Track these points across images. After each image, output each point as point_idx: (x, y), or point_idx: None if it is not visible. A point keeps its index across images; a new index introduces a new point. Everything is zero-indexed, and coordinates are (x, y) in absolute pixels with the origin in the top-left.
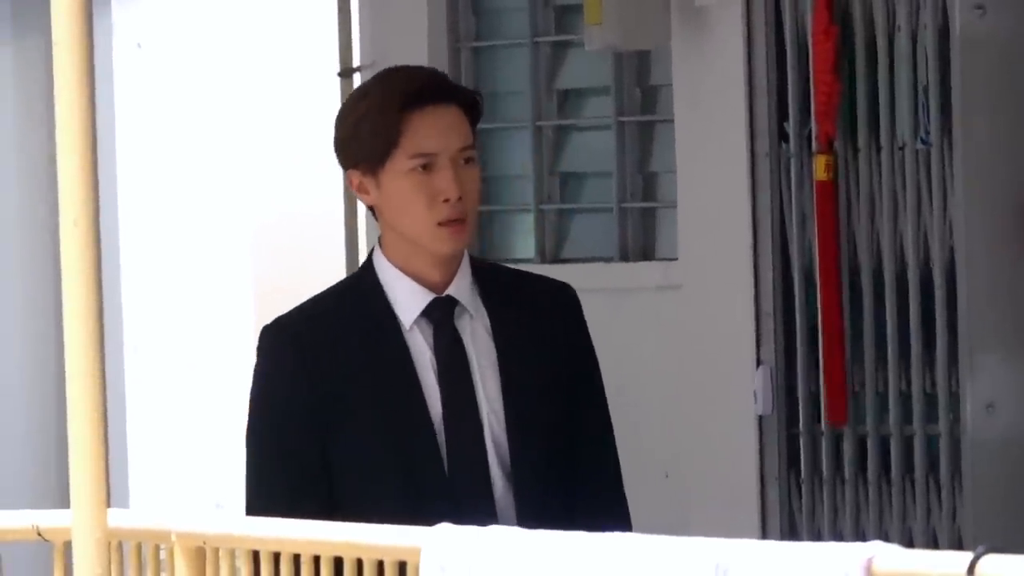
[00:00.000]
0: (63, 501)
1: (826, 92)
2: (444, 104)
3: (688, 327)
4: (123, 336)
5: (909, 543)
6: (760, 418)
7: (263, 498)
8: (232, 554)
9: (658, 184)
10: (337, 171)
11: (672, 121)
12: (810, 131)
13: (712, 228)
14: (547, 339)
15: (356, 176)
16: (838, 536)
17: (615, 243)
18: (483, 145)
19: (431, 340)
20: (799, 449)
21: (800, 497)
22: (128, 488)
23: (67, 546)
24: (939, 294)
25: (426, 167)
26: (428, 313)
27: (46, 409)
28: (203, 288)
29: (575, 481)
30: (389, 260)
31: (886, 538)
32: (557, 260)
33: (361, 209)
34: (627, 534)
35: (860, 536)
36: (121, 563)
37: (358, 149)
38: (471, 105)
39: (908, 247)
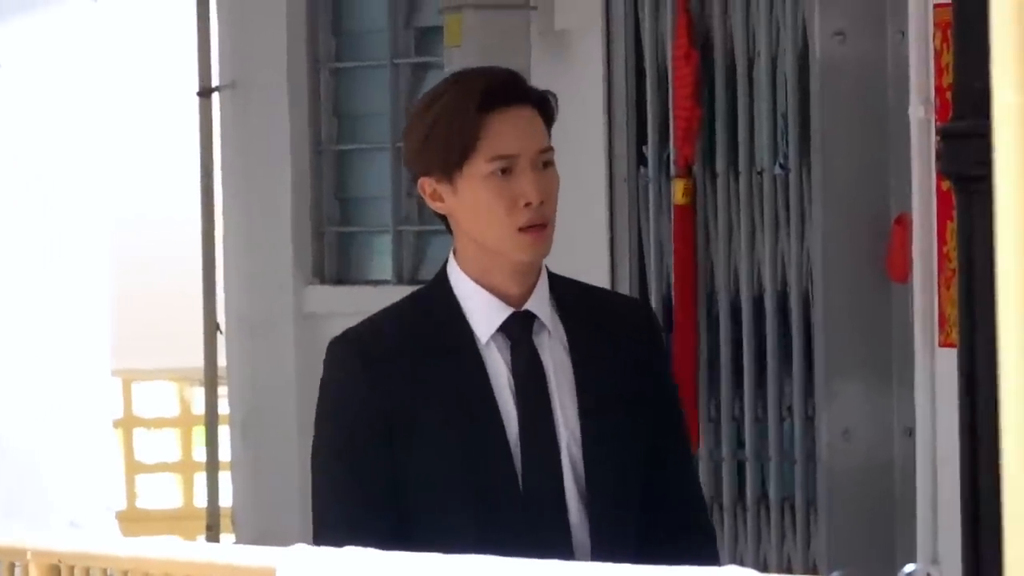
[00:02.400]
0: None
1: (685, 117)
2: (521, 105)
3: None
4: None
5: (764, 569)
6: None
7: (331, 516)
8: (87, 572)
9: None
10: (195, 188)
11: None
12: (669, 155)
13: (570, 251)
14: (624, 358)
15: (429, 184)
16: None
17: None
18: (342, 166)
19: (508, 357)
20: None
21: None
22: None
23: None
24: (796, 319)
25: (505, 171)
26: (506, 328)
27: None
28: (60, 302)
29: (656, 506)
30: (464, 271)
31: (741, 563)
32: (415, 281)
33: (219, 230)
34: (480, 558)
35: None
36: None
37: (432, 155)
38: (546, 106)
39: (765, 272)
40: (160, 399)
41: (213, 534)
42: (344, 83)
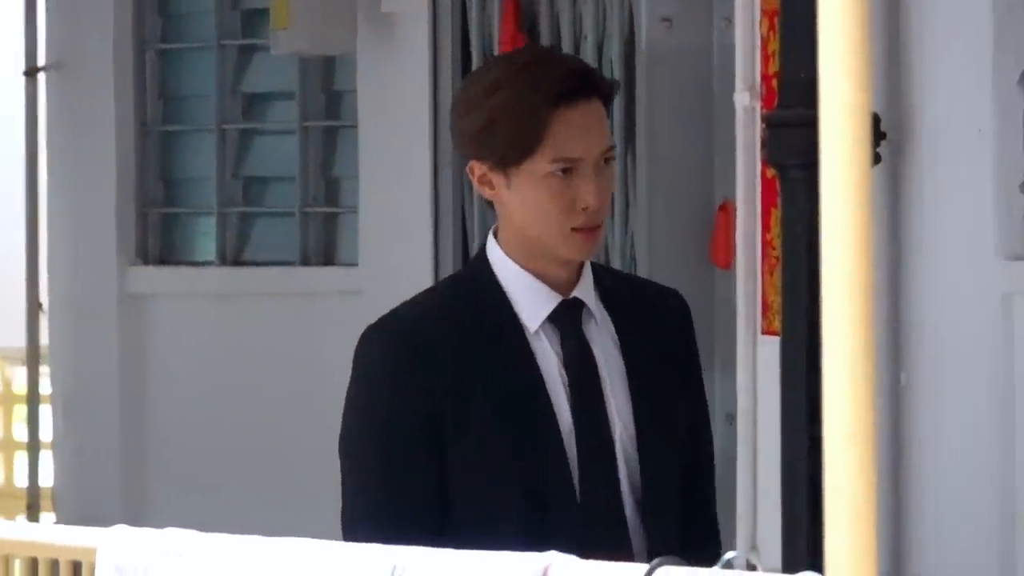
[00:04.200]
0: None
1: None
2: (589, 100)
3: None
4: None
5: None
6: None
7: (369, 521)
8: None
9: (341, 189)
10: (20, 168)
11: (356, 127)
12: None
13: (394, 234)
14: (666, 347)
15: (480, 168)
16: None
17: (297, 247)
18: (167, 148)
19: (558, 347)
20: None
21: None
22: None
23: None
24: None
25: (566, 171)
26: (555, 317)
27: None
28: None
29: (688, 497)
30: (509, 255)
31: None
32: (238, 263)
33: (43, 209)
34: (306, 540)
35: None
36: None
37: (490, 144)
38: (611, 97)
39: None
40: None
41: (34, 513)
42: (170, 64)
